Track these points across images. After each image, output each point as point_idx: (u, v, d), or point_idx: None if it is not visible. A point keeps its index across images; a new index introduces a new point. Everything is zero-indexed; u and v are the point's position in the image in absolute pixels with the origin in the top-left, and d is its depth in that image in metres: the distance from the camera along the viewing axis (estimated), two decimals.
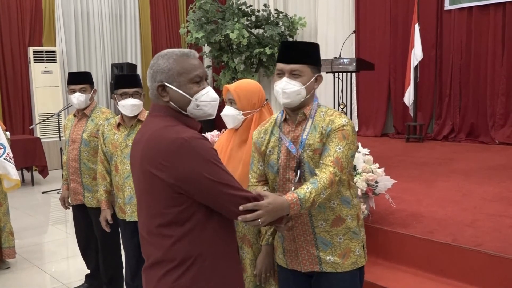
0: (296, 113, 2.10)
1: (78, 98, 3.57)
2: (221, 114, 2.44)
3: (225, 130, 2.70)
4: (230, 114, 2.41)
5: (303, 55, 2.06)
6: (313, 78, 2.07)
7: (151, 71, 1.74)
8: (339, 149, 1.98)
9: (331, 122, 2.03)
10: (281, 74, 2.08)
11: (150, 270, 1.75)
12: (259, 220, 1.73)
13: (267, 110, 2.48)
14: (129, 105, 3.10)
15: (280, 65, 2.08)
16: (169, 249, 1.66)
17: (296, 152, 2.05)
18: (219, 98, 1.86)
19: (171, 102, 1.73)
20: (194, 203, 1.64)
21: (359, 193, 3.22)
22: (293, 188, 2.04)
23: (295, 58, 2.05)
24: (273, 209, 1.77)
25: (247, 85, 2.46)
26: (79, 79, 3.61)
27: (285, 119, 2.15)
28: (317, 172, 1.97)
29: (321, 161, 1.99)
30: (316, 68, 2.09)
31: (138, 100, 3.11)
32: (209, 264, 1.69)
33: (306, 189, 1.88)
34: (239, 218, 1.70)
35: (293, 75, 2.05)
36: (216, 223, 1.71)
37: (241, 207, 1.68)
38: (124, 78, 3.17)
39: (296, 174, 2.04)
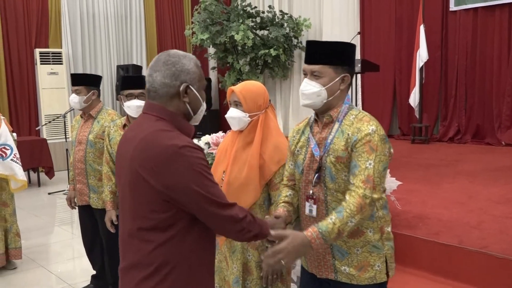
0: (323, 115, 2.05)
1: (72, 100, 3.62)
2: (226, 116, 2.42)
3: (230, 131, 2.69)
4: (236, 116, 2.38)
5: (325, 55, 1.98)
6: (338, 78, 1.99)
7: (173, 69, 1.69)
8: (370, 164, 1.87)
9: (357, 131, 1.92)
10: (306, 75, 2.04)
11: (126, 273, 1.72)
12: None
13: (271, 112, 2.47)
14: (135, 106, 3.11)
15: (304, 66, 2.05)
16: (148, 254, 1.64)
17: (318, 155, 2.00)
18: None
19: (187, 104, 1.73)
20: (179, 211, 1.62)
21: None
22: (311, 191, 2.02)
23: (316, 59, 2.00)
24: (293, 249, 1.77)
25: (252, 87, 2.44)
26: (75, 81, 3.65)
27: (315, 120, 2.11)
28: (346, 196, 1.89)
29: (351, 181, 1.89)
30: (342, 68, 1.99)
31: (143, 101, 3.12)
32: (185, 274, 1.67)
33: (330, 220, 1.83)
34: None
35: (313, 75, 2.00)
36: (197, 233, 1.68)
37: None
38: (130, 79, 3.18)
39: (314, 177, 1.99)
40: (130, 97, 3.13)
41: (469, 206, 3.94)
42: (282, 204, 2.19)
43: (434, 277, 3.10)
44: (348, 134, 1.94)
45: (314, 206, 2.01)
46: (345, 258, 2.00)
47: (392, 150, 1.98)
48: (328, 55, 1.99)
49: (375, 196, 1.87)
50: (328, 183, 1.97)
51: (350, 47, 2.06)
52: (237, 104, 2.39)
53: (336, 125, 2.00)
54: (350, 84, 2.06)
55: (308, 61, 2.02)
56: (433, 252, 3.16)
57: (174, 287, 1.65)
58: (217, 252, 2.52)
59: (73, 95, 3.61)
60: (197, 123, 1.84)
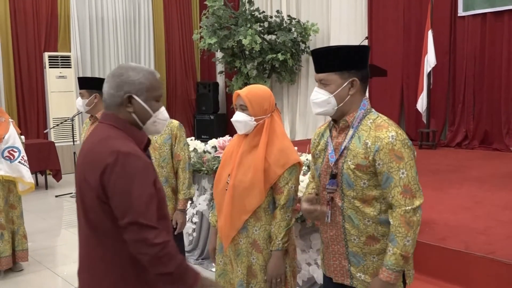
0: (339, 120, 2.04)
1: (77, 103, 3.70)
2: (232, 120, 2.43)
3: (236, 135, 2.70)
4: (242, 120, 2.39)
5: (327, 62, 1.97)
6: (345, 84, 1.96)
7: (117, 80, 1.76)
8: (403, 174, 1.87)
9: (377, 139, 1.90)
10: (317, 83, 2.04)
11: (79, 276, 1.86)
12: None
13: (277, 115, 2.47)
14: None
15: (314, 74, 2.05)
16: (96, 256, 1.74)
17: (333, 161, 2.00)
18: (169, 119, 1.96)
19: (133, 114, 1.77)
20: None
21: None
22: (328, 196, 2.02)
23: (321, 67, 2.00)
24: None
25: (258, 90, 2.44)
26: (79, 84, 3.74)
27: (334, 125, 2.10)
28: (390, 218, 1.91)
29: (389, 195, 1.89)
30: (349, 73, 1.96)
31: None
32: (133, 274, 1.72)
33: (389, 253, 1.89)
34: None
35: (322, 84, 2.00)
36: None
37: None
38: None
39: (330, 184, 2.00)
40: None
41: (476, 211, 3.92)
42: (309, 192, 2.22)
43: (440, 282, 3.07)
44: (367, 143, 1.91)
45: (329, 212, 2.02)
46: (361, 265, 2.01)
47: (415, 153, 1.96)
48: (331, 61, 1.97)
49: (417, 203, 1.89)
50: (345, 189, 1.97)
51: (357, 49, 2.02)
52: (243, 108, 2.40)
53: (351, 131, 1.98)
54: (365, 87, 2.03)
55: (315, 69, 2.03)
56: (439, 257, 3.14)
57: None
58: (222, 255, 2.52)
59: (79, 98, 3.69)
60: (156, 133, 1.91)
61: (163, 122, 1.88)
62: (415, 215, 1.87)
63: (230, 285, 2.50)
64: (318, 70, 2.01)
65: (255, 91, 2.43)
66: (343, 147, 1.98)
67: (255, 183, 2.32)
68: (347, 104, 1.99)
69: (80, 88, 3.68)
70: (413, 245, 1.88)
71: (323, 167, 2.07)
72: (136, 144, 1.74)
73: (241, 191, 2.35)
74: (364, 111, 2.01)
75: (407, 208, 1.86)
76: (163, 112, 1.86)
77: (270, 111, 2.43)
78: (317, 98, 2.00)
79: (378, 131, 1.92)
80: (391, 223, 1.89)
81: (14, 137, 4.23)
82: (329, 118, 2.13)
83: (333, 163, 2.00)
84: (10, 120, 4.32)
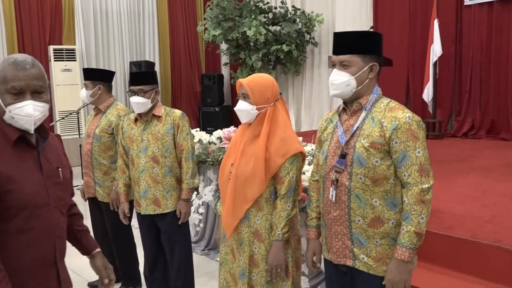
0: (352, 103, 2.08)
1: (81, 94, 3.74)
2: (235, 108, 2.43)
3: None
4: (243, 108, 2.39)
5: (353, 44, 2.02)
6: (366, 68, 2.02)
7: None
8: (419, 153, 1.94)
9: (394, 119, 1.95)
10: (334, 65, 2.06)
11: None
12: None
13: (281, 105, 2.46)
14: (134, 102, 3.17)
15: (332, 57, 2.07)
16: None
17: (344, 142, 2.03)
18: (38, 115, 1.72)
19: None
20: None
21: None
22: (334, 176, 2.04)
23: (344, 49, 2.02)
24: (398, 277, 1.94)
25: (260, 79, 2.43)
26: (84, 75, 3.77)
27: (344, 108, 2.14)
28: (404, 196, 1.96)
29: (406, 173, 1.95)
30: (370, 57, 2.03)
31: (141, 98, 3.14)
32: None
33: (403, 231, 1.92)
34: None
35: (342, 65, 2.03)
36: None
37: None
38: (132, 76, 3.23)
39: (338, 163, 2.02)
40: (131, 93, 3.17)
41: (483, 200, 3.90)
42: (315, 220, 2.27)
43: (446, 270, 3.07)
44: (383, 122, 1.97)
45: (334, 192, 2.04)
46: (364, 247, 2.02)
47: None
48: (356, 44, 2.02)
49: (431, 182, 1.96)
50: (356, 168, 1.98)
51: (378, 36, 2.09)
52: (245, 97, 2.40)
53: (364, 113, 2.03)
54: (379, 73, 2.07)
55: (336, 51, 2.05)
56: (445, 246, 3.13)
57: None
58: (224, 245, 2.52)
59: (83, 89, 3.72)
60: (25, 129, 1.71)
61: (25, 119, 1.68)
62: (428, 193, 1.94)
63: (230, 275, 2.50)
64: (340, 51, 2.03)
65: (257, 79, 2.43)
66: (355, 128, 2.02)
67: (256, 172, 2.32)
68: (364, 87, 2.04)
69: (85, 79, 3.72)
70: (426, 223, 1.93)
71: (331, 149, 2.10)
72: (3, 137, 1.69)
73: (243, 181, 2.35)
74: (377, 96, 2.07)
75: (423, 186, 1.92)
76: (21, 107, 1.68)
77: (272, 100, 2.42)
78: (336, 79, 2.03)
79: (394, 112, 1.98)
80: (406, 201, 1.94)
81: None
82: (321, 111, 2.19)
83: (343, 143, 2.03)
84: None
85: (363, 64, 2.01)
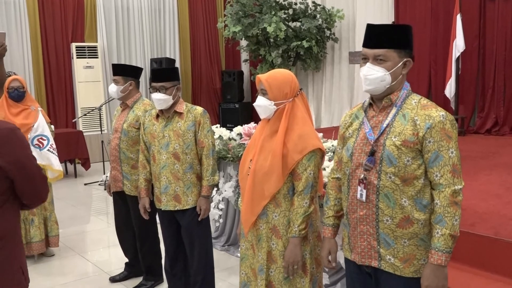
0: (381, 99, 2.01)
1: (111, 89, 3.77)
2: (254, 104, 2.44)
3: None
4: (262, 104, 2.39)
5: (388, 38, 1.93)
6: (401, 63, 1.95)
7: None
8: (452, 153, 1.88)
9: (428, 118, 1.89)
10: (365, 59, 1.99)
11: None
12: None
13: (300, 101, 2.44)
14: (155, 99, 3.19)
15: (364, 50, 1.99)
16: None
17: (373, 139, 1.97)
18: None
19: None
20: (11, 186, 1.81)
21: None
22: (362, 176, 1.98)
23: (379, 42, 1.94)
24: (435, 282, 1.89)
25: (279, 75, 2.43)
26: (114, 70, 3.79)
27: (371, 104, 2.07)
28: (434, 197, 1.91)
29: (437, 174, 1.89)
30: (405, 52, 1.96)
31: (162, 95, 3.15)
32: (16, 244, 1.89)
33: (437, 235, 1.87)
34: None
35: (376, 60, 1.95)
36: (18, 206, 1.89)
37: None
38: (153, 73, 3.24)
39: (368, 161, 1.96)
40: (153, 90, 3.19)
41: (506, 198, 3.83)
42: (332, 218, 2.23)
43: (468, 268, 3.03)
44: (416, 120, 1.91)
45: (364, 191, 1.98)
46: (391, 248, 1.96)
47: None
48: (391, 38, 1.94)
49: (463, 183, 1.91)
50: (386, 166, 1.93)
51: (410, 29, 2.01)
52: (264, 92, 2.40)
53: (394, 110, 1.97)
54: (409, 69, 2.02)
55: (370, 45, 1.97)
56: (468, 243, 3.09)
57: (8, 258, 1.83)
58: (244, 240, 2.53)
59: (112, 84, 3.76)
60: None
61: None
62: (460, 194, 1.89)
63: (251, 270, 2.51)
64: (375, 45, 1.95)
65: (275, 75, 2.42)
66: (385, 125, 1.96)
67: (274, 168, 2.32)
68: (397, 83, 1.98)
69: (115, 74, 3.74)
70: (459, 225, 1.88)
71: (357, 145, 2.03)
72: None
73: (261, 177, 2.36)
74: (407, 92, 2.01)
75: (456, 187, 1.87)
76: None
77: (291, 95, 2.41)
78: (371, 74, 1.95)
79: (427, 110, 1.92)
80: (438, 203, 1.88)
81: (43, 126, 4.31)
82: (341, 107, 2.15)
83: (372, 140, 1.97)
84: (39, 108, 4.40)
85: (399, 59, 1.94)
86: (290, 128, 2.36)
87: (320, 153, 2.37)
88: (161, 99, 3.16)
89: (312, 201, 2.36)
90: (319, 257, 2.49)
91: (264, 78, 2.40)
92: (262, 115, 2.44)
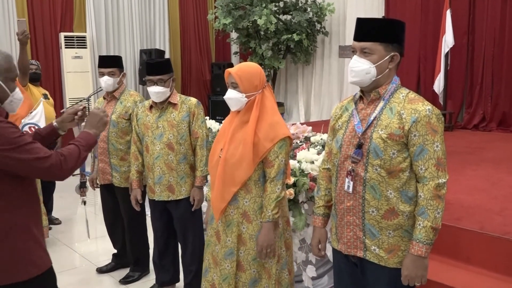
0: (369, 92, 2.05)
1: (106, 82, 3.68)
2: (225, 97, 2.51)
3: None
4: (233, 97, 2.47)
5: (375, 32, 1.97)
6: (387, 56, 1.98)
7: None
8: (437, 147, 1.91)
9: (414, 111, 1.92)
10: (354, 51, 2.03)
11: None
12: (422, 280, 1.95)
13: (269, 91, 2.53)
14: (153, 92, 3.19)
15: (353, 43, 2.03)
16: None
17: (360, 131, 2.01)
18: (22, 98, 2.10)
19: None
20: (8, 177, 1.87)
21: None
22: (350, 168, 2.02)
23: (366, 36, 1.98)
24: (414, 272, 1.94)
25: (248, 68, 2.51)
26: (108, 63, 3.71)
27: (361, 97, 2.11)
28: (419, 190, 1.94)
29: (422, 168, 1.92)
30: (392, 46, 1.98)
31: (161, 88, 3.17)
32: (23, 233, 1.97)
33: (419, 226, 1.91)
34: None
35: (363, 53, 1.98)
36: (21, 194, 1.98)
37: None
38: (150, 66, 3.23)
39: (356, 153, 2.00)
40: (149, 83, 3.19)
41: (492, 193, 3.89)
42: (322, 208, 2.28)
43: (453, 261, 3.07)
44: (402, 114, 1.94)
45: (351, 183, 2.02)
46: (376, 239, 2.01)
47: None
48: (379, 31, 1.97)
49: (447, 177, 1.94)
50: (372, 159, 1.96)
51: (402, 25, 2.03)
52: (234, 86, 2.48)
53: (381, 103, 2.01)
54: (399, 64, 2.04)
55: (358, 38, 2.01)
56: (453, 237, 3.13)
57: (15, 248, 1.93)
58: (211, 227, 2.62)
59: (106, 77, 3.67)
60: (11, 112, 2.04)
61: (18, 102, 2.03)
62: (444, 188, 1.93)
63: (212, 257, 2.59)
64: (362, 38, 1.99)
65: (245, 68, 2.51)
66: (372, 118, 2.00)
67: (244, 156, 2.40)
68: (384, 77, 2.01)
69: (112, 66, 3.70)
70: (441, 218, 1.92)
71: (346, 138, 2.07)
72: None
73: (232, 165, 2.44)
74: (396, 86, 2.04)
75: (439, 181, 1.91)
76: (18, 92, 2.03)
77: (260, 87, 2.50)
78: (356, 66, 2.00)
79: (414, 104, 1.95)
80: (422, 196, 1.92)
81: (40, 115, 4.30)
82: (331, 101, 2.17)
83: (360, 133, 2.01)
84: (43, 100, 4.45)
85: (385, 53, 1.97)
86: (260, 117, 2.45)
87: (289, 141, 2.47)
88: (159, 91, 3.18)
89: (283, 187, 2.45)
90: (288, 241, 2.60)
91: (234, 71, 2.47)
92: (233, 108, 2.52)
